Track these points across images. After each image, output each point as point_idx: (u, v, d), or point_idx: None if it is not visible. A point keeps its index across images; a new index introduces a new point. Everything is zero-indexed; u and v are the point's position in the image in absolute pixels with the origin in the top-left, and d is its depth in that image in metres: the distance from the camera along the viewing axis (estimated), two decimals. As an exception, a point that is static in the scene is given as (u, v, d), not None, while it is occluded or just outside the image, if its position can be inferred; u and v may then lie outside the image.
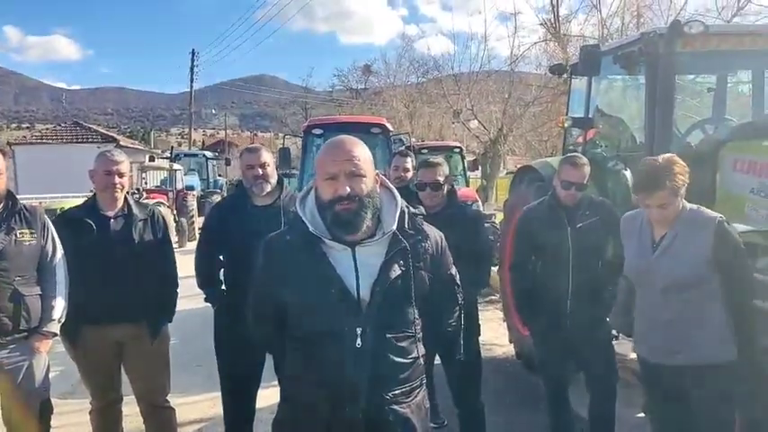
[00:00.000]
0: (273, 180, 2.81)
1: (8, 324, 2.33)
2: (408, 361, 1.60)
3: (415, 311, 1.62)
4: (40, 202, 8.34)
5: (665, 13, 11.25)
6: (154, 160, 15.24)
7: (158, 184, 14.62)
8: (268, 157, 2.82)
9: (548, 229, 2.85)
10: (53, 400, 2.60)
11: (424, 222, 1.69)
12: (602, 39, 11.10)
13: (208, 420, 3.67)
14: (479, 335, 3.05)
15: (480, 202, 9.78)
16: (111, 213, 2.65)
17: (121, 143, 22.67)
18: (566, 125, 4.55)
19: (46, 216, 2.55)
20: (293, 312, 1.63)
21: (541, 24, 13.55)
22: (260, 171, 2.75)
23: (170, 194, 13.06)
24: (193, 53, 31.20)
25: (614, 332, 3.09)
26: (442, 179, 2.84)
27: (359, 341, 1.52)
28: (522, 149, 17.83)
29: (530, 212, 3.04)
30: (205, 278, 2.90)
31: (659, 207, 2.14)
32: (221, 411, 2.98)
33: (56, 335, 2.50)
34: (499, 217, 6.82)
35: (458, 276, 1.79)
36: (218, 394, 2.97)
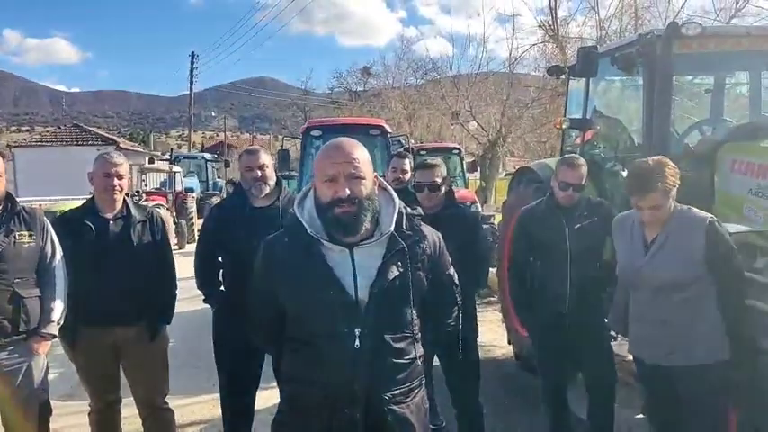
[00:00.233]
0: (272, 182, 2.82)
1: (7, 326, 2.33)
2: (407, 361, 1.60)
3: (414, 312, 1.62)
4: (40, 205, 8.34)
5: (662, 14, 11.29)
6: (153, 162, 15.25)
7: (158, 186, 14.64)
8: (267, 159, 2.83)
9: (546, 229, 2.86)
10: (52, 402, 2.60)
11: (422, 223, 1.69)
12: (600, 40, 11.13)
13: (207, 422, 3.67)
14: (478, 336, 3.05)
15: (479, 204, 9.79)
16: (109, 215, 2.65)
17: (121, 145, 22.67)
18: (564, 126, 4.56)
19: (45, 218, 2.55)
20: (292, 314, 1.63)
21: (540, 26, 13.58)
22: (259, 173, 2.76)
23: (169, 196, 13.07)
24: (193, 56, 31.21)
25: (613, 333, 3.09)
26: (439, 180, 2.84)
27: (357, 342, 1.52)
28: (520, 151, 17.85)
29: (528, 213, 3.04)
30: (204, 279, 2.90)
31: (651, 209, 2.16)
32: (220, 412, 2.98)
33: (55, 336, 2.50)
34: (498, 218, 6.83)
35: (456, 277, 1.80)
36: (218, 395, 2.97)
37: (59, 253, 2.52)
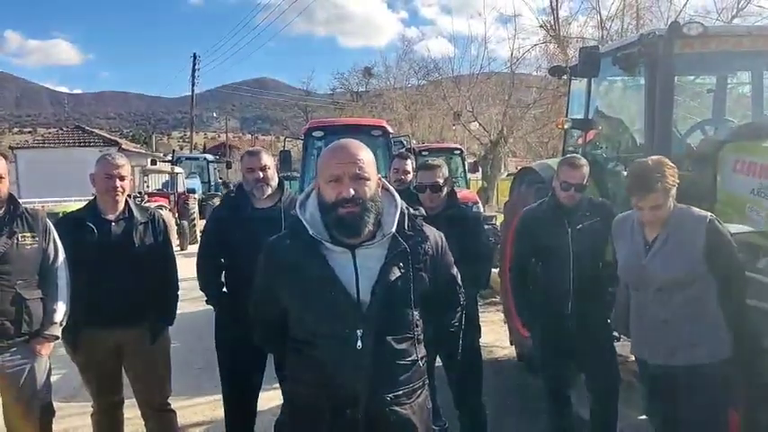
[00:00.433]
0: (274, 183, 2.82)
1: (10, 327, 2.34)
2: (409, 362, 1.60)
3: (416, 313, 1.62)
4: (42, 206, 8.37)
5: (664, 14, 11.29)
6: (156, 163, 15.27)
7: (160, 187, 14.66)
8: (269, 160, 2.83)
9: (548, 230, 2.86)
10: (55, 404, 2.60)
11: (424, 223, 1.69)
12: (601, 40, 11.13)
13: (209, 423, 3.67)
14: (480, 336, 3.05)
15: (481, 204, 9.79)
16: (112, 217, 2.66)
17: (123, 147, 22.76)
18: (566, 127, 4.56)
19: (48, 219, 2.56)
20: (294, 315, 1.63)
21: (541, 26, 13.59)
22: (260, 174, 2.76)
23: (171, 197, 13.09)
24: (195, 57, 31.29)
25: (615, 333, 3.09)
26: (441, 181, 2.84)
27: (359, 343, 1.52)
28: (522, 151, 17.86)
29: (530, 214, 3.04)
30: (206, 280, 2.90)
31: (652, 208, 2.16)
32: (223, 414, 2.98)
33: (57, 338, 2.51)
34: (500, 219, 6.82)
35: (459, 277, 1.80)
36: (220, 397, 2.97)
37: (62, 254, 2.52)
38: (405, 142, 9.68)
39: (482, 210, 9.65)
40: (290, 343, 1.65)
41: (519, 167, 6.63)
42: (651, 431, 2.47)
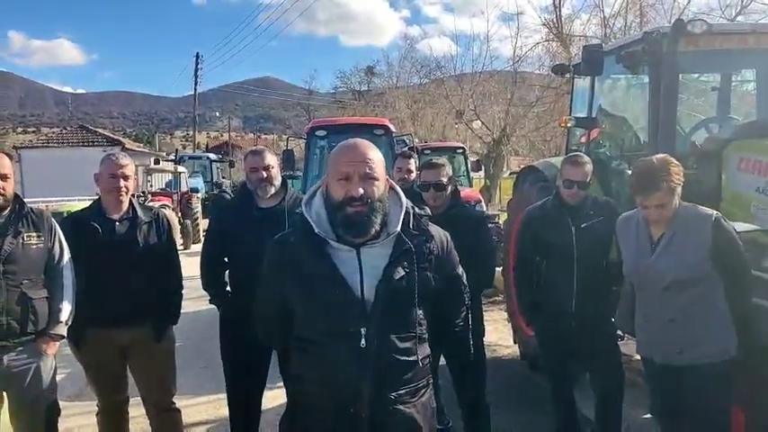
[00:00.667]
0: (278, 182, 2.82)
1: (16, 327, 2.35)
2: (413, 361, 1.60)
3: (420, 312, 1.62)
4: (47, 206, 8.39)
5: (668, 12, 11.21)
6: (159, 163, 15.28)
7: (163, 186, 14.70)
8: (272, 160, 2.83)
9: (552, 228, 2.85)
10: (60, 403, 2.61)
11: (430, 223, 1.69)
12: (604, 38, 11.08)
13: (214, 422, 3.68)
14: (484, 335, 3.05)
15: (484, 203, 9.77)
16: (116, 216, 2.67)
17: (127, 146, 22.81)
18: (569, 125, 4.54)
19: (53, 219, 2.57)
20: (298, 313, 1.64)
21: (544, 24, 13.52)
22: (264, 173, 2.76)
23: (175, 197, 13.12)
24: (197, 56, 31.31)
25: (619, 332, 3.08)
26: (445, 180, 2.84)
27: (363, 341, 1.52)
28: (525, 150, 17.81)
29: (533, 212, 3.04)
30: (210, 280, 2.91)
31: (657, 207, 2.15)
32: (227, 413, 2.99)
33: (63, 337, 2.52)
34: (503, 217, 6.82)
35: (464, 277, 1.80)
36: (224, 395, 2.98)
37: (67, 254, 2.53)
38: (407, 141, 9.68)
39: (485, 208, 9.63)
40: (294, 341, 1.66)
41: (521, 166, 6.62)
42: (656, 430, 2.46)
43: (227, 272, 2.91)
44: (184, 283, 2.90)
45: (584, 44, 4.83)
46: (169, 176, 14.69)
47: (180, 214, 12.57)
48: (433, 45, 56.66)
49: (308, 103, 38.85)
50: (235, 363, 2.84)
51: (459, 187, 3.32)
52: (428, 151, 10.52)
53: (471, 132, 17.59)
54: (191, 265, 3.16)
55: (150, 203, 9.05)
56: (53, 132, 28.15)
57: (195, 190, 15.28)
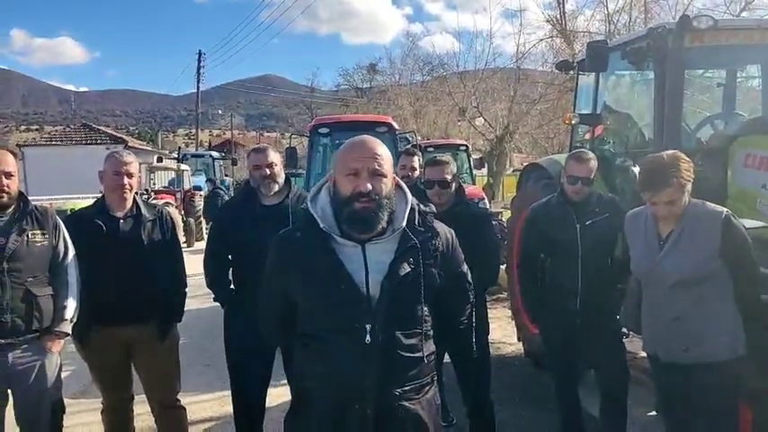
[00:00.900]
0: (281, 179, 2.81)
1: (21, 324, 2.35)
2: (417, 358, 1.60)
3: (425, 309, 1.62)
4: (50, 203, 8.41)
5: (672, 8, 11.17)
6: (162, 161, 15.33)
7: (166, 184, 14.72)
8: (275, 157, 2.83)
9: (556, 226, 2.84)
10: (65, 400, 2.62)
11: (435, 220, 1.69)
12: (608, 34, 11.04)
13: (218, 419, 3.69)
14: (489, 333, 3.04)
15: (487, 200, 9.76)
16: (120, 214, 2.67)
17: (130, 144, 22.84)
18: (573, 122, 4.52)
19: (57, 217, 2.57)
20: (303, 309, 1.64)
21: (547, 21, 13.48)
22: (267, 171, 2.76)
23: (178, 195, 13.14)
24: (200, 54, 31.30)
25: (624, 330, 3.07)
26: (450, 177, 2.83)
27: (368, 337, 1.52)
28: (528, 147, 17.78)
29: (538, 210, 3.02)
30: (214, 277, 2.91)
31: (666, 204, 2.13)
32: (231, 410, 2.99)
33: (68, 335, 2.52)
34: (506, 215, 6.80)
35: (469, 274, 1.79)
36: (229, 392, 2.98)
37: (72, 251, 2.53)
38: (410, 138, 9.66)
39: (488, 206, 9.62)
40: (299, 337, 1.66)
41: (524, 163, 6.61)
42: (662, 428, 2.45)
43: (231, 270, 2.91)
44: (188, 280, 2.90)
45: (589, 40, 4.81)
46: (172, 174, 14.71)
47: (183, 212, 12.60)
48: (436, 42, 56.44)
49: (310, 100, 38.84)
50: (239, 360, 2.84)
51: (462, 185, 3.31)
52: (431, 149, 10.51)
53: (474, 129, 17.56)
54: (194, 263, 3.16)
55: (154, 201, 9.06)
56: (56, 130, 28.20)
57: (198, 188, 15.31)
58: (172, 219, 2.88)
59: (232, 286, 2.89)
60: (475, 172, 12.84)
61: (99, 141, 22.43)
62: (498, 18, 56.54)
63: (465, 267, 1.78)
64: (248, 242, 2.61)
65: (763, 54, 3.86)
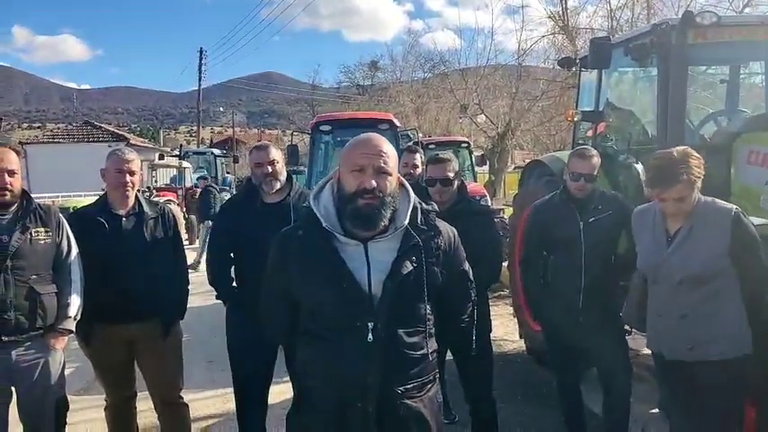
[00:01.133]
0: (283, 177, 2.81)
1: (24, 322, 2.36)
2: (420, 356, 1.60)
3: (427, 307, 1.62)
4: (53, 201, 8.43)
5: (675, 4, 11.12)
6: (163, 158, 15.34)
7: (168, 181, 14.74)
8: (277, 155, 2.82)
9: (559, 223, 2.84)
10: (69, 397, 2.63)
11: (437, 218, 1.68)
12: (611, 31, 11.00)
13: (221, 416, 3.70)
14: (491, 330, 3.04)
15: (489, 197, 9.74)
16: (122, 212, 2.67)
17: (132, 142, 22.87)
18: (575, 119, 4.51)
19: (61, 215, 2.57)
20: (305, 307, 1.64)
21: (549, 17, 13.44)
22: (269, 168, 2.76)
23: (179, 192, 13.17)
24: (201, 52, 31.30)
25: (627, 327, 3.06)
26: (452, 175, 2.82)
27: (370, 336, 1.52)
28: (529, 144, 17.74)
29: (541, 207, 3.02)
30: (216, 275, 2.91)
31: (676, 200, 2.11)
32: (234, 407, 3.00)
33: (71, 332, 2.53)
34: (508, 212, 6.79)
35: (471, 272, 1.79)
36: (231, 390, 2.99)
37: (75, 249, 2.54)
38: (412, 136, 9.65)
39: (490, 203, 9.61)
40: (301, 335, 1.66)
41: (526, 160, 6.60)
42: (665, 425, 2.45)
43: (234, 267, 2.91)
44: (190, 277, 2.91)
45: (592, 37, 4.78)
46: (173, 172, 14.73)
47: (185, 209, 12.62)
48: (437, 39, 56.34)
49: (311, 98, 38.79)
50: (241, 357, 2.84)
51: (464, 182, 3.31)
52: (432, 146, 10.50)
53: (476, 127, 17.54)
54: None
55: (155, 199, 9.08)
56: (58, 128, 28.31)
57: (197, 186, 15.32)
58: (174, 216, 2.88)
59: (234, 283, 2.90)
60: (477, 169, 12.83)
61: (101, 139, 22.47)
62: (500, 14, 56.19)
63: (467, 266, 1.78)
64: (250, 240, 2.61)
65: (767, 51, 3.84)
